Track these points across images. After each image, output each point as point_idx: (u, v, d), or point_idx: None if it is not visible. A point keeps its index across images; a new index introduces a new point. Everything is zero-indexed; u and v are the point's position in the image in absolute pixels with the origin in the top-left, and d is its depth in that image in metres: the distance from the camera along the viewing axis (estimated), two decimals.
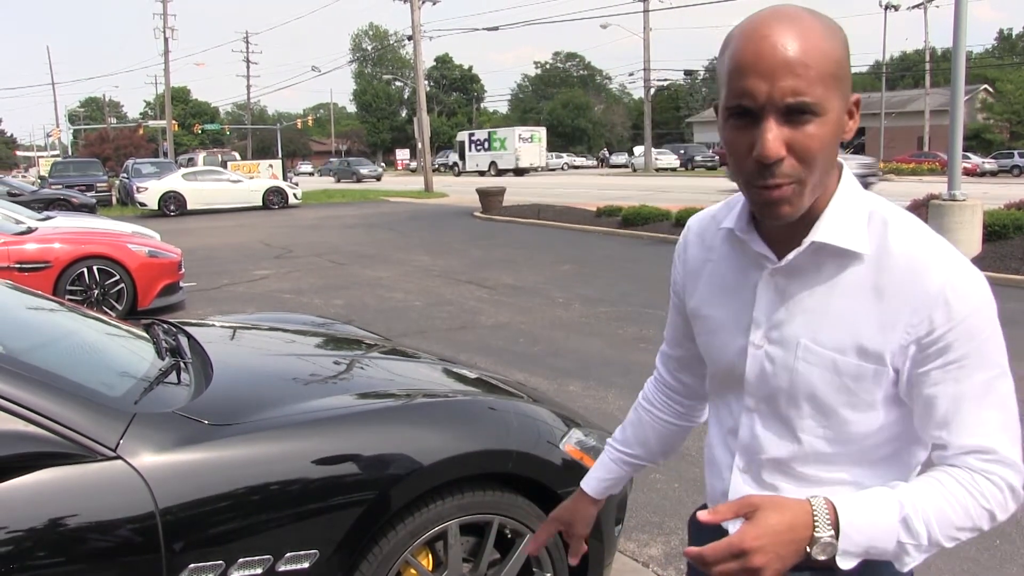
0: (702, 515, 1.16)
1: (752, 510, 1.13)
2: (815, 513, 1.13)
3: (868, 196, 1.25)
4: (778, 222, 1.20)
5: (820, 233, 1.21)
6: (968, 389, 1.18)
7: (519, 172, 51.80)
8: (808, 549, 1.12)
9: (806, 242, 1.22)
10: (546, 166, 55.68)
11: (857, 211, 1.23)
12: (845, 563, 1.14)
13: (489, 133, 53.60)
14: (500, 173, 51.19)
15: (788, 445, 1.31)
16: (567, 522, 1.71)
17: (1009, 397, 1.21)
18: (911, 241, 1.20)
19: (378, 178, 51.40)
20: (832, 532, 1.12)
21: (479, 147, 54.99)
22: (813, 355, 1.25)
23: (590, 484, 1.69)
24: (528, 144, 52.96)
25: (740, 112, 1.15)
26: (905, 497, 1.16)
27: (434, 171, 41.69)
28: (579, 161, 73.80)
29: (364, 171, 53.06)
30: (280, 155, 56.55)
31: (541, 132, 55.49)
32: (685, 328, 1.53)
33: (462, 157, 57.35)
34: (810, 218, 1.22)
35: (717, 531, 1.42)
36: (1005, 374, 1.21)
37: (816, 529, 1.12)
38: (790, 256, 1.24)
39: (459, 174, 53.27)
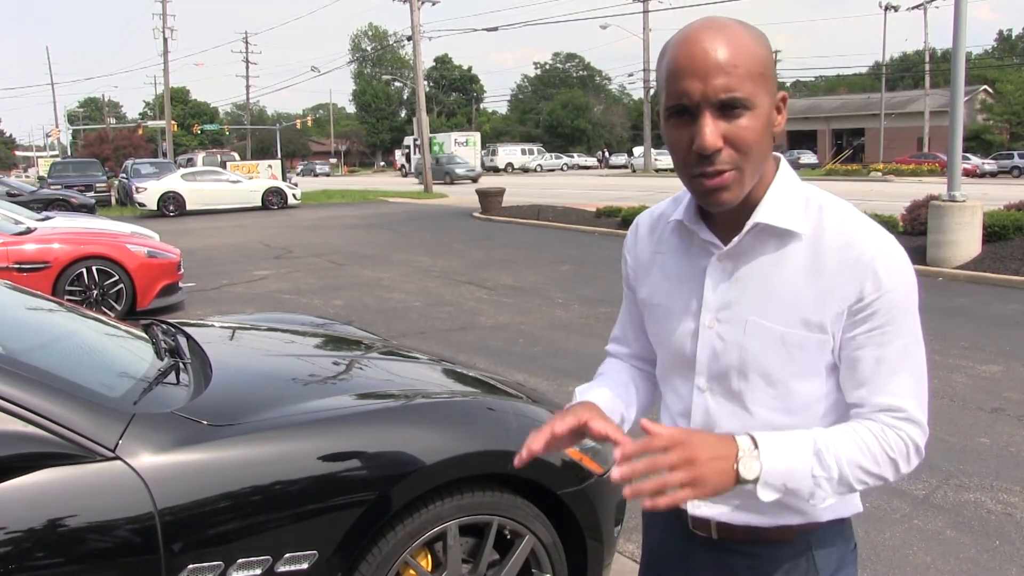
0: (643, 421, 1.24)
1: (678, 439, 1.21)
2: (738, 442, 1.25)
3: (804, 184, 1.38)
4: (720, 208, 1.31)
5: (761, 215, 1.33)
6: (888, 353, 1.32)
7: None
8: (735, 467, 1.23)
9: (748, 224, 1.34)
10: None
11: (794, 196, 1.36)
12: (766, 494, 1.25)
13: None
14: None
15: (740, 419, 1.39)
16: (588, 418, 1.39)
17: (921, 364, 1.35)
18: (844, 221, 1.33)
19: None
20: (757, 454, 1.24)
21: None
22: (761, 330, 1.35)
23: (597, 399, 1.52)
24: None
25: (679, 111, 1.26)
26: (818, 434, 1.30)
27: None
28: (588, 162, 73.82)
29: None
30: (279, 155, 56.59)
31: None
32: (639, 322, 1.61)
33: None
34: (751, 206, 1.34)
35: (669, 521, 1.56)
36: (920, 343, 1.35)
37: (741, 452, 1.24)
38: (735, 240, 1.36)
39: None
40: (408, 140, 60.37)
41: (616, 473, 1.20)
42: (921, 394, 1.35)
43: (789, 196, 1.35)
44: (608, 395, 1.55)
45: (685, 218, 1.42)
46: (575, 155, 75.11)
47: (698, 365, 1.43)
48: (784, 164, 1.39)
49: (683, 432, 1.24)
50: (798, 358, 1.34)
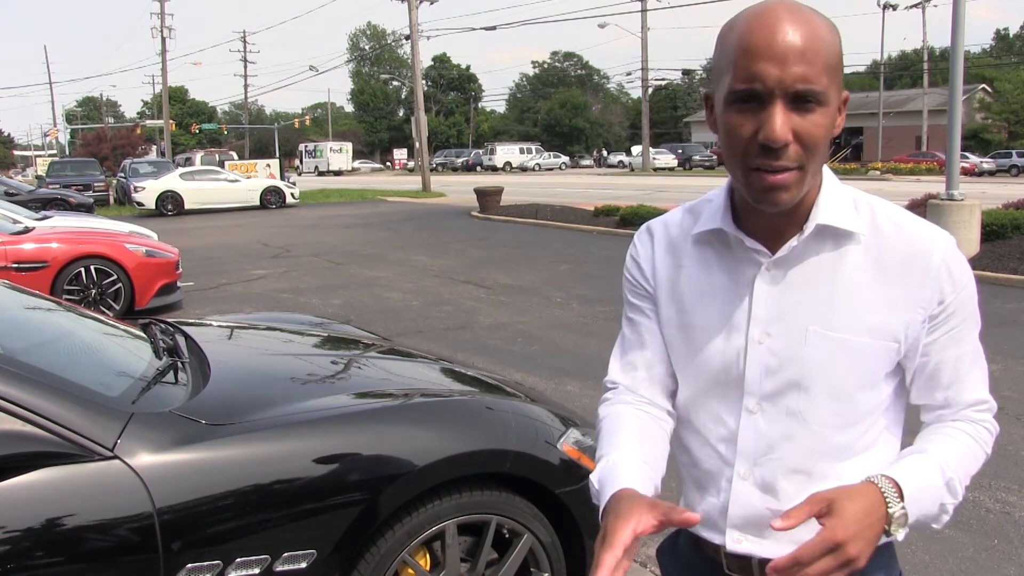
0: (775, 523, 1.09)
1: (826, 504, 1.11)
2: (883, 491, 1.16)
3: (846, 186, 1.31)
4: (776, 208, 1.20)
5: (823, 216, 1.24)
6: (966, 350, 1.30)
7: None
8: (887, 527, 1.15)
9: (810, 225, 1.24)
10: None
11: (845, 198, 1.28)
12: (902, 533, 1.18)
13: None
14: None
15: (798, 440, 1.30)
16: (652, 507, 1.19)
17: (981, 347, 1.33)
18: (902, 221, 1.27)
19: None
20: (902, 504, 1.16)
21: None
22: (825, 340, 1.26)
23: (636, 483, 1.26)
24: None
25: (747, 96, 1.15)
26: (941, 459, 1.25)
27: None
28: (587, 161, 73.94)
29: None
30: (278, 155, 56.54)
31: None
32: (658, 345, 1.43)
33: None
34: (801, 208, 1.25)
35: (690, 555, 1.44)
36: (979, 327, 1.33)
37: (889, 505, 1.15)
38: (793, 242, 1.25)
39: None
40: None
41: None
42: (987, 378, 1.35)
43: (840, 197, 1.27)
44: (636, 470, 1.29)
45: (724, 225, 1.30)
46: (583, 155, 75.16)
47: (748, 385, 1.30)
48: (825, 166, 1.28)
49: (832, 530, 1.09)
50: (862, 367, 1.26)
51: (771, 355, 1.29)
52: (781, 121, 1.13)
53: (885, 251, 1.25)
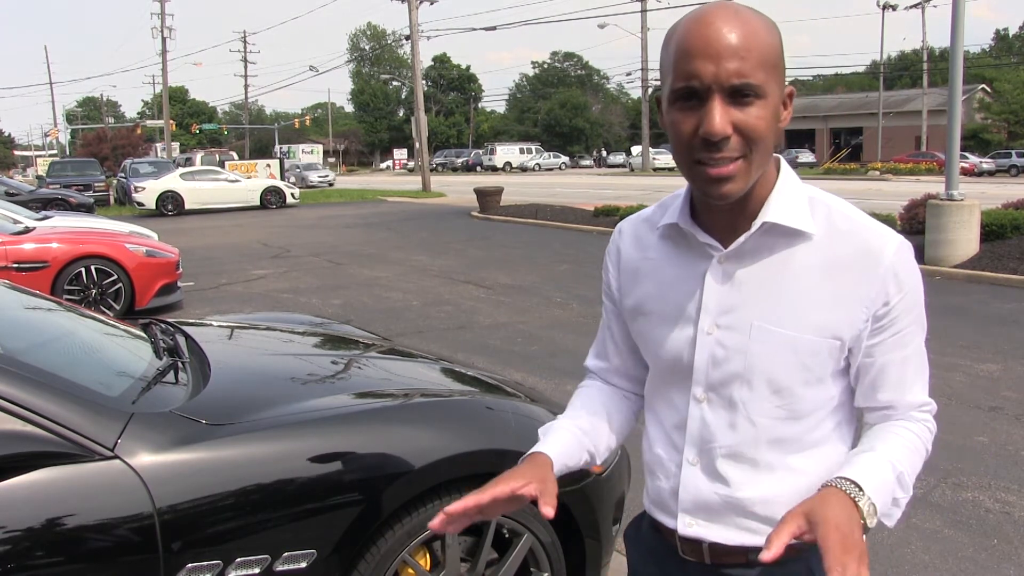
0: (764, 556, 1.10)
1: (803, 519, 1.13)
2: (845, 490, 1.19)
3: (804, 184, 1.33)
4: (723, 200, 1.24)
5: (771, 214, 1.27)
6: (911, 353, 1.32)
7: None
8: (863, 521, 1.17)
9: (757, 223, 1.28)
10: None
11: (799, 196, 1.31)
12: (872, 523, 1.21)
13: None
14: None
15: (741, 430, 1.34)
16: (540, 477, 1.42)
17: (925, 350, 1.36)
18: (856, 221, 1.30)
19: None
20: (867, 497, 1.19)
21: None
22: (769, 335, 1.29)
23: (556, 454, 1.45)
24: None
25: (687, 94, 1.20)
26: (890, 455, 1.28)
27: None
28: (587, 161, 73.97)
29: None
30: (278, 155, 56.50)
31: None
32: (622, 335, 1.55)
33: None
34: (753, 205, 1.29)
35: (652, 541, 1.50)
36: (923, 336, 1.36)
37: (857, 500, 1.18)
38: (741, 239, 1.29)
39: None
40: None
41: None
42: (928, 382, 1.38)
43: (794, 196, 1.30)
44: (569, 437, 1.47)
45: (680, 220, 1.34)
46: (583, 155, 75.13)
47: (695, 374, 1.36)
48: (784, 164, 1.34)
49: (849, 544, 1.09)
50: (808, 364, 1.29)
51: (719, 346, 1.33)
52: (719, 115, 1.17)
53: (836, 250, 1.28)
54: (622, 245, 1.49)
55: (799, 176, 1.36)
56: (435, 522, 1.30)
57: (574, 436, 1.49)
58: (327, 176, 45.98)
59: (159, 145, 56.45)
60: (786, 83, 1.25)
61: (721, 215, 1.31)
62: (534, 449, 1.45)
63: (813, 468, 1.34)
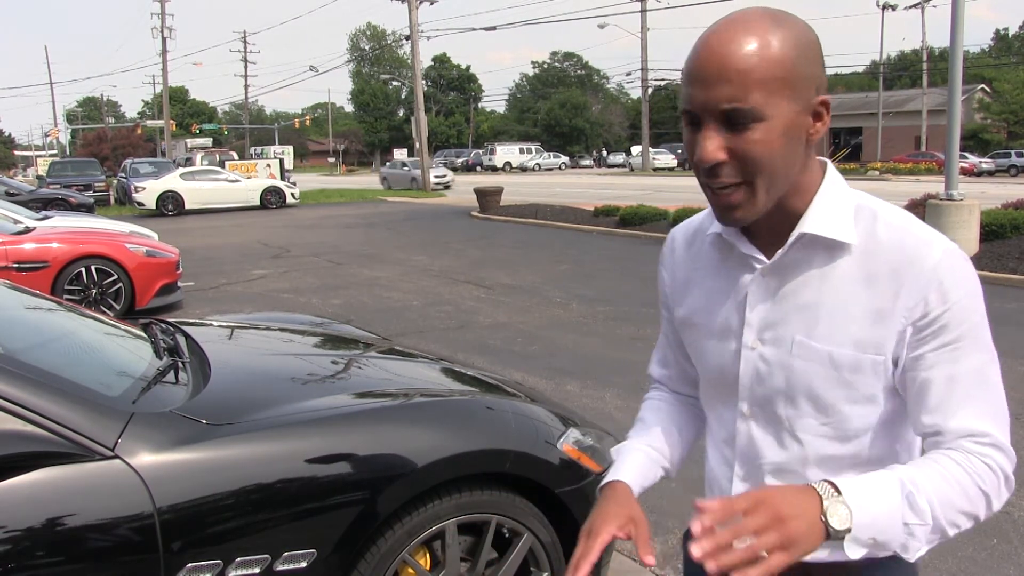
0: (701, 501, 1.08)
1: (758, 499, 1.07)
2: (819, 490, 1.10)
3: (855, 192, 1.27)
4: (733, 225, 1.23)
5: (808, 225, 1.22)
6: (962, 372, 1.19)
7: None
8: (823, 519, 1.08)
9: (794, 235, 1.23)
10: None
11: (843, 205, 1.24)
12: (855, 549, 1.10)
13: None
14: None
15: (788, 448, 1.30)
16: (628, 519, 1.33)
17: (999, 385, 1.21)
18: (900, 228, 1.21)
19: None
20: (841, 498, 1.09)
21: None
22: (809, 351, 1.24)
23: (631, 476, 1.42)
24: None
25: (689, 118, 1.18)
26: (905, 475, 1.15)
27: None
28: (587, 161, 74.00)
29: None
30: (253, 155, 56.48)
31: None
32: (679, 343, 1.52)
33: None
34: (795, 216, 1.24)
35: None
36: (995, 361, 1.22)
37: (824, 498, 1.09)
38: (780, 252, 1.25)
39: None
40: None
41: (697, 551, 1.03)
42: (1002, 417, 1.21)
43: (837, 204, 1.23)
44: (643, 459, 1.45)
45: (724, 231, 1.30)
46: (582, 155, 75.10)
47: (741, 389, 1.33)
48: (831, 170, 1.27)
49: (760, 491, 1.09)
50: (850, 381, 1.23)
51: (761, 361, 1.29)
52: (708, 142, 1.15)
53: (878, 260, 1.20)
54: (674, 254, 1.47)
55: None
56: None
57: (647, 456, 1.47)
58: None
59: (162, 145, 56.34)
60: (819, 90, 1.17)
61: (762, 225, 1.26)
62: (610, 477, 1.42)
63: None
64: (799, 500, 1.08)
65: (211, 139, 43.83)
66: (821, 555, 1.19)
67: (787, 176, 1.19)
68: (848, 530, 1.08)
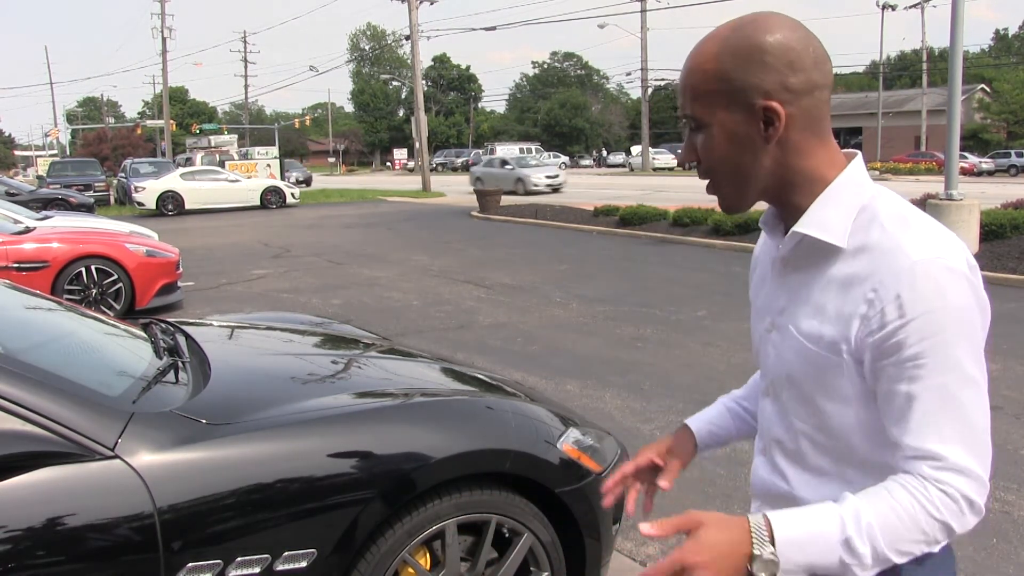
0: (643, 527, 1.13)
1: (695, 526, 1.13)
2: (753, 531, 1.12)
3: (873, 190, 1.26)
4: (728, 213, 1.36)
5: (800, 225, 1.26)
6: (922, 391, 1.15)
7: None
8: (749, 567, 1.11)
9: (790, 234, 1.28)
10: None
11: (847, 205, 1.24)
12: None
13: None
14: None
15: (788, 432, 1.36)
16: (669, 450, 1.59)
17: (974, 409, 1.16)
18: (891, 232, 1.19)
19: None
20: (772, 549, 1.11)
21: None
22: (795, 342, 1.30)
23: (698, 422, 1.63)
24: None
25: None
26: (848, 513, 1.14)
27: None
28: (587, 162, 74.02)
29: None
30: (279, 154, 56.52)
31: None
32: None
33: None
34: (802, 212, 1.28)
35: None
36: (971, 383, 1.16)
37: (755, 547, 1.11)
38: (781, 246, 1.32)
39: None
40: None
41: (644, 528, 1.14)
42: (971, 441, 1.15)
43: (840, 204, 1.24)
44: (719, 409, 1.65)
45: (762, 219, 1.41)
46: (582, 155, 75.10)
47: (762, 368, 1.42)
48: (853, 166, 1.27)
49: (691, 550, 1.11)
50: (820, 378, 1.26)
51: (772, 345, 1.37)
52: (686, 143, 1.33)
53: (860, 263, 1.20)
54: (761, 239, 1.52)
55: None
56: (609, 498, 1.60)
57: (724, 406, 1.64)
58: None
59: (162, 145, 56.23)
60: (767, 95, 1.21)
61: (785, 217, 1.33)
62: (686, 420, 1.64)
63: (865, 486, 1.21)
64: (724, 547, 1.11)
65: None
66: None
67: (749, 175, 1.27)
68: (775, 573, 1.11)
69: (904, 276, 1.15)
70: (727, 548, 1.11)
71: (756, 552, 1.11)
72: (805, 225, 1.25)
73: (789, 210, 1.30)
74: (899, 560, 1.14)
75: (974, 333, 1.17)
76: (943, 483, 1.14)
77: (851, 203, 1.24)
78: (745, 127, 1.23)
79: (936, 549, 1.18)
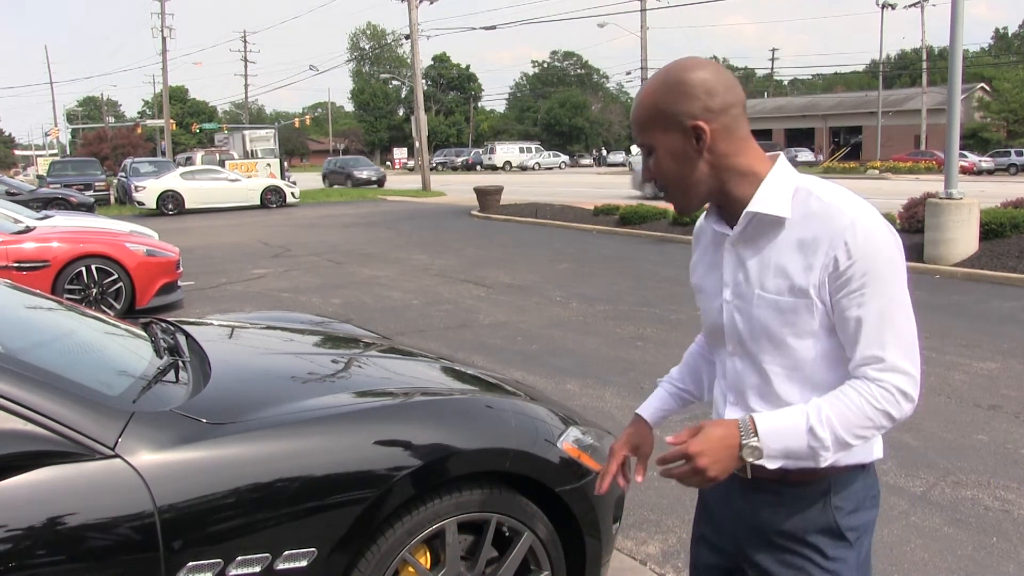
0: (668, 439, 1.55)
1: (698, 429, 1.53)
2: (741, 427, 1.53)
3: (799, 176, 1.62)
4: (682, 214, 1.75)
5: (753, 205, 1.60)
6: (866, 314, 1.52)
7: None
8: (740, 453, 1.51)
9: (743, 215, 1.61)
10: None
11: (784, 187, 1.60)
12: (771, 463, 1.53)
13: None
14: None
15: (760, 375, 1.67)
16: (635, 444, 1.92)
17: (903, 322, 1.53)
18: (827, 201, 1.55)
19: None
20: (756, 439, 1.51)
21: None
22: (763, 300, 1.61)
23: (648, 411, 1.97)
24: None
25: None
26: (812, 409, 1.53)
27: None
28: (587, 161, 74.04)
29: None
30: (279, 154, 56.50)
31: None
32: None
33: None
34: (746, 200, 1.61)
35: (723, 507, 1.81)
36: (900, 306, 1.53)
37: (743, 437, 1.51)
38: (735, 229, 1.64)
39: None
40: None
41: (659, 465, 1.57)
42: (904, 346, 1.52)
43: (779, 187, 1.59)
44: (662, 392, 2.00)
45: (705, 216, 1.75)
46: (582, 155, 75.00)
47: (726, 334, 1.71)
48: (781, 162, 1.63)
49: (697, 432, 1.53)
50: (792, 321, 1.58)
51: (735, 312, 1.68)
52: (642, 168, 1.68)
53: (806, 227, 1.56)
54: (696, 236, 1.85)
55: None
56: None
57: (665, 391, 2.00)
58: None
59: (162, 144, 56.17)
60: (694, 116, 1.55)
61: (727, 209, 1.66)
62: (637, 410, 1.98)
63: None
64: (718, 440, 1.51)
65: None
66: (773, 464, 1.55)
67: (692, 181, 1.61)
68: (760, 456, 1.51)
69: (848, 229, 1.51)
70: (722, 440, 1.51)
71: (744, 442, 1.51)
72: (756, 205, 1.59)
73: (731, 202, 1.62)
74: (854, 442, 1.53)
75: (899, 267, 1.54)
76: (882, 381, 1.52)
77: (787, 185, 1.60)
78: (682, 144, 1.58)
79: (880, 434, 1.59)
